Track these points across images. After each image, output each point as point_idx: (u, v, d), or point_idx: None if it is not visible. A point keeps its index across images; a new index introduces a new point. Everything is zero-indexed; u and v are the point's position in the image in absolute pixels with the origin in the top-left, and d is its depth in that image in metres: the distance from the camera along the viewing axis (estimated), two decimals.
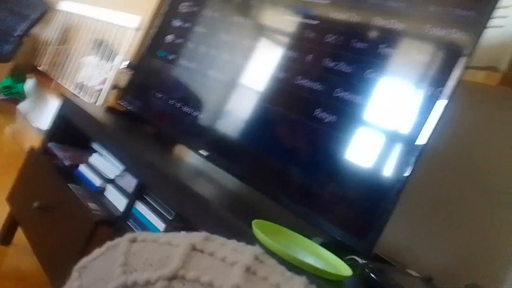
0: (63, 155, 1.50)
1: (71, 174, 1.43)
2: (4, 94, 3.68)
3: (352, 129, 0.97)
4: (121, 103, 1.67)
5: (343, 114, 0.99)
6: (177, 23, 1.60)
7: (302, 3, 1.21)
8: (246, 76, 1.27)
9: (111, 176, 1.32)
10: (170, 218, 1.08)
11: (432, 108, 0.85)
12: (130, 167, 1.24)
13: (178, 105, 1.42)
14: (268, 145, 1.11)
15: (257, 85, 1.22)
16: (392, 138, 0.91)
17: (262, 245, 0.75)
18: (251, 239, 0.77)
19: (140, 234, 0.34)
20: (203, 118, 1.32)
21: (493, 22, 0.84)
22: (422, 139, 0.85)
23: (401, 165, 0.86)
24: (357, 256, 0.84)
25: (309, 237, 0.91)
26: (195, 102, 1.38)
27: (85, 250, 1.11)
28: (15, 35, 3.38)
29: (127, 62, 2.14)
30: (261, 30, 1.33)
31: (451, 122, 0.94)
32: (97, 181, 1.34)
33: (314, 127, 1.03)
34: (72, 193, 1.28)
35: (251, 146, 1.16)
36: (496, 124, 1.05)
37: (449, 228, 1.05)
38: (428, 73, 0.89)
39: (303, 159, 1.03)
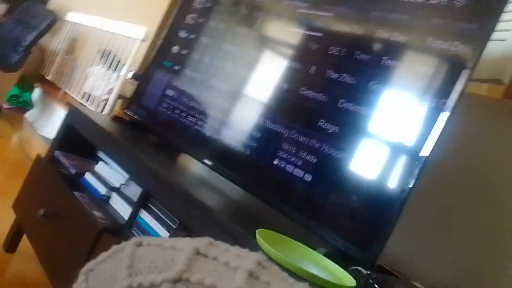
0: (69, 164, 1.51)
1: (76, 182, 1.44)
2: (11, 103, 3.72)
3: (356, 140, 0.97)
4: (127, 113, 1.69)
5: (347, 125, 0.99)
6: (183, 34, 1.62)
7: (306, 16, 1.23)
8: (251, 86, 1.29)
9: (116, 185, 1.33)
10: (174, 226, 1.09)
11: (435, 120, 0.86)
12: (135, 176, 1.25)
13: (183, 114, 1.43)
14: (271, 155, 1.12)
15: (261, 96, 1.24)
16: (396, 149, 0.91)
17: (265, 254, 0.75)
18: (255, 248, 0.77)
19: (145, 238, 0.35)
20: (208, 127, 1.33)
21: (496, 35, 0.85)
22: (425, 151, 0.85)
23: (405, 176, 0.86)
24: (361, 267, 0.84)
25: (313, 248, 0.91)
26: (200, 112, 1.39)
27: (89, 257, 1.11)
28: (23, 45, 3.44)
29: (133, 72, 2.17)
30: (266, 42, 1.34)
31: (454, 134, 0.94)
32: (102, 190, 1.35)
33: (318, 137, 1.03)
34: (78, 201, 1.29)
35: (255, 156, 1.16)
36: (499, 136, 1.05)
37: (453, 239, 1.05)
38: (431, 85, 0.90)
39: (307, 170, 1.03)
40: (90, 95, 2.92)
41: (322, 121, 1.04)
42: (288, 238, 0.90)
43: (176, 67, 1.57)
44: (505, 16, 0.85)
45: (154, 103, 1.58)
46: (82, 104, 2.82)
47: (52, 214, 1.31)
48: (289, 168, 1.06)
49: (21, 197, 1.55)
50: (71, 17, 3.75)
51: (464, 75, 0.85)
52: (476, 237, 1.01)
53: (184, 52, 1.58)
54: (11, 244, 1.61)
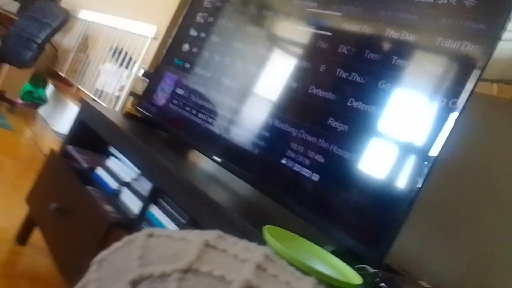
0: (82, 158, 1.54)
1: (88, 177, 1.46)
2: (25, 98, 3.78)
3: (365, 139, 0.97)
4: (138, 109, 1.71)
5: (356, 124, 1.00)
6: (193, 32, 1.63)
7: (315, 15, 1.23)
8: (260, 85, 1.29)
9: (127, 180, 1.35)
10: (183, 221, 1.10)
11: (445, 120, 0.85)
12: (146, 171, 1.27)
13: (194, 112, 1.45)
14: (281, 153, 1.12)
15: (270, 95, 1.24)
16: (405, 148, 0.91)
17: (272, 250, 0.76)
18: (263, 244, 0.78)
19: (156, 230, 0.36)
20: (218, 125, 1.35)
21: (506, 35, 0.84)
22: (434, 151, 0.85)
23: (414, 176, 0.86)
24: (368, 265, 0.85)
25: (320, 245, 0.91)
26: (210, 110, 1.40)
27: (99, 251, 1.13)
28: (37, 42, 3.49)
29: (144, 70, 2.19)
30: (276, 41, 1.35)
31: (464, 134, 0.94)
32: (113, 184, 1.37)
33: (327, 136, 1.04)
34: (89, 195, 1.31)
35: (265, 153, 1.17)
36: (509, 137, 1.05)
37: (461, 239, 1.04)
38: (441, 85, 0.90)
39: (316, 168, 1.04)
40: (102, 91, 2.95)
41: (331, 120, 1.04)
42: (295, 234, 0.91)
43: (187, 65, 1.59)
44: None
45: (165, 100, 1.60)
46: (95, 100, 2.86)
47: (64, 208, 1.34)
48: (297, 167, 1.06)
49: (34, 190, 1.58)
50: (84, 15, 3.79)
51: (474, 75, 0.85)
52: (483, 237, 1.01)
53: (195, 50, 1.59)
54: (23, 236, 1.64)
